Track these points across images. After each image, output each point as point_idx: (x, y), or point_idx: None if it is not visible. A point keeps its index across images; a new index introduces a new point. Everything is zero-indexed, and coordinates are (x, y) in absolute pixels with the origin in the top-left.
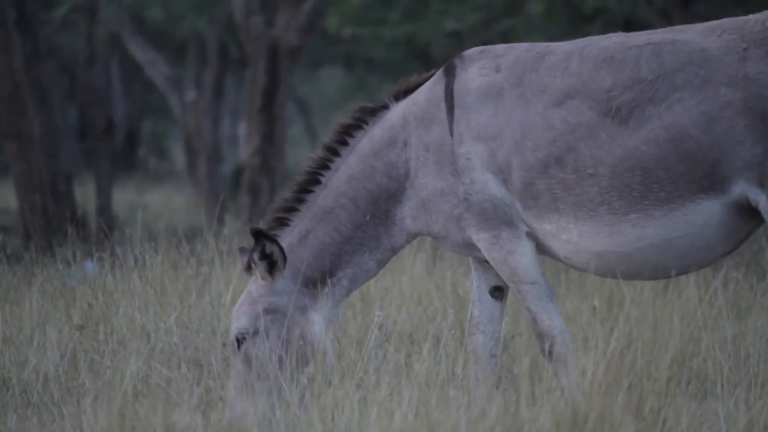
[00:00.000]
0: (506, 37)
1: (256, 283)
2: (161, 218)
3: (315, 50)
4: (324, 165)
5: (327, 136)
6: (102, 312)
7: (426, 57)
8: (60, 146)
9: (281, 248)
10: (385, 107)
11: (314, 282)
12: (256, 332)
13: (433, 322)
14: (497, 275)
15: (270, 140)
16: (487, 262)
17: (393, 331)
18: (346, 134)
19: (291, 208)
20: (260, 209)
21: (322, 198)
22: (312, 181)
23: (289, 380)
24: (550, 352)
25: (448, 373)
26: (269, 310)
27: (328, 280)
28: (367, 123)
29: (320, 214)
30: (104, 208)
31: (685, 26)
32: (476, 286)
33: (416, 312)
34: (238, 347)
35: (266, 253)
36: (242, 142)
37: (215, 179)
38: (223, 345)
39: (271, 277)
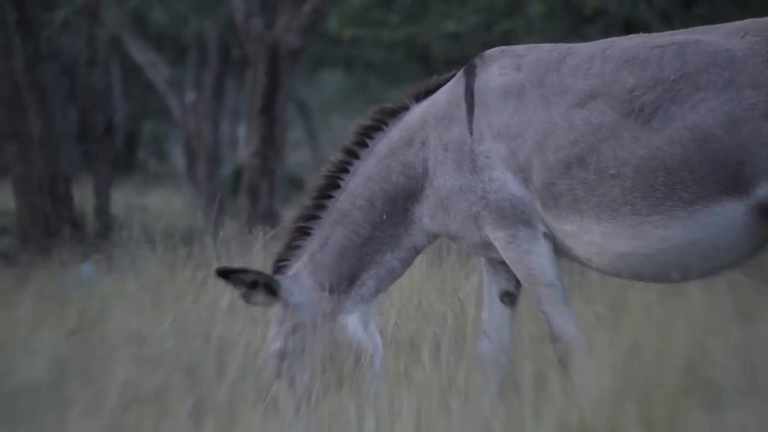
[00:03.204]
0: (506, 39)
1: (280, 307)
2: (160, 220)
3: (316, 52)
4: (343, 168)
5: (347, 138)
6: (96, 316)
7: (426, 59)
8: (60, 148)
9: (256, 271)
10: (405, 108)
11: (338, 287)
12: (290, 353)
13: (433, 327)
14: (509, 279)
15: (270, 142)
16: (500, 264)
17: (391, 337)
18: (365, 136)
19: (312, 216)
20: (259, 211)
21: (341, 202)
22: (331, 185)
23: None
24: (564, 359)
25: (449, 381)
26: (296, 328)
27: (353, 283)
28: (386, 124)
29: (339, 217)
30: (103, 210)
31: (707, 27)
32: (487, 289)
33: (416, 316)
34: (279, 373)
35: (248, 283)
36: (242, 144)
37: (215, 181)
38: (219, 352)
39: (277, 297)
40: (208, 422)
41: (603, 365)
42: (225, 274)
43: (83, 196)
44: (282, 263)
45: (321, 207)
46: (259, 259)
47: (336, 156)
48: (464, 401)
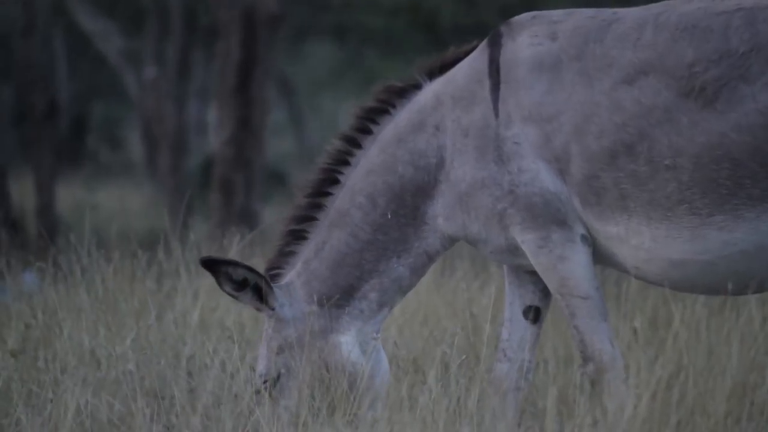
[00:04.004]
0: (529, 4)
1: (267, 319)
2: (114, 221)
3: (300, 18)
4: (343, 160)
5: (347, 123)
6: (42, 334)
7: (432, 27)
8: None
9: (249, 268)
10: (417, 86)
11: (334, 300)
12: (277, 375)
13: (441, 346)
14: (535, 292)
15: (246, 127)
16: (526, 274)
17: (394, 357)
18: (368, 120)
19: (306, 217)
20: (234, 210)
21: (339, 200)
22: (328, 180)
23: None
24: (597, 380)
25: (458, 407)
26: (284, 346)
27: (352, 296)
28: (394, 106)
29: (337, 218)
30: (46, 209)
31: None
32: (509, 303)
33: (421, 333)
34: (270, 395)
35: (237, 281)
36: (213, 130)
37: (180, 174)
38: (189, 374)
39: (268, 305)
40: None
41: (640, 389)
42: (211, 265)
43: (22, 191)
44: (274, 271)
45: (317, 206)
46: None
47: (334, 145)
48: (476, 430)
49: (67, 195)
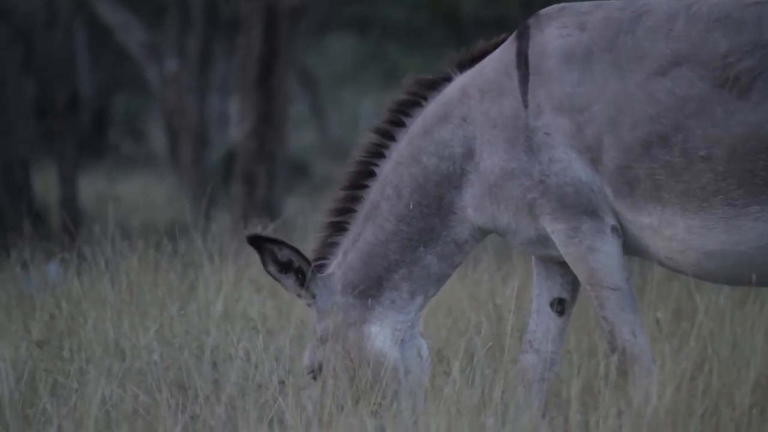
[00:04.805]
0: None
1: (310, 310)
2: (137, 213)
3: (321, 12)
4: (377, 152)
5: (381, 116)
6: (67, 325)
7: (454, 20)
8: (14, 127)
9: (295, 249)
10: (447, 79)
11: (366, 291)
12: (319, 366)
13: (465, 336)
14: (563, 285)
15: (268, 120)
16: (555, 266)
17: None
18: (401, 113)
19: (346, 209)
20: (256, 202)
21: (373, 193)
22: (364, 173)
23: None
24: (626, 372)
25: (483, 398)
26: (324, 337)
27: (382, 286)
28: (425, 98)
29: (370, 210)
30: (69, 201)
31: None
32: (536, 294)
33: (445, 324)
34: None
35: (282, 262)
36: (235, 123)
37: (202, 166)
38: (213, 365)
39: (309, 291)
40: None
41: (665, 380)
42: (257, 242)
43: (45, 184)
44: (319, 262)
45: (355, 198)
46: (257, 257)
47: (369, 138)
48: (501, 421)
49: (90, 187)
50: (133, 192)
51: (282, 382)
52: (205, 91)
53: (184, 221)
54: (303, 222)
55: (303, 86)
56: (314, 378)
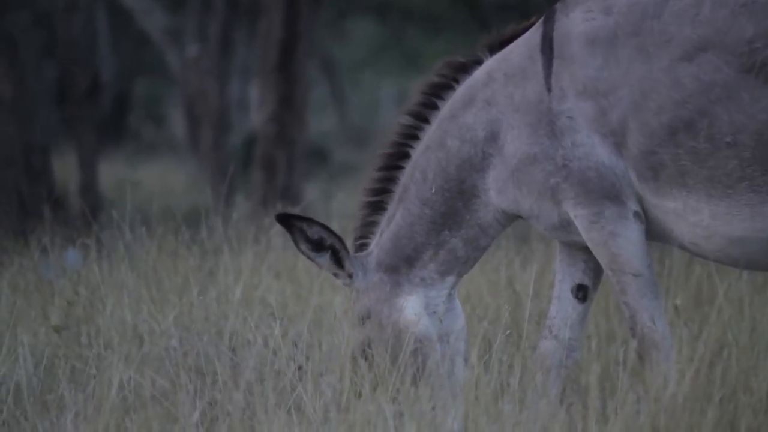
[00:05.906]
0: None
1: (349, 290)
2: (157, 198)
3: None
4: (412, 134)
5: (413, 99)
6: (85, 310)
7: (475, 5)
8: (35, 112)
9: (325, 227)
10: (478, 62)
11: (396, 269)
12: (367, 345)
13: (483, 322)
14: (585, 271)
15: (288, 105)
16: (578, 252)
17: None
18: (434, 96)
19: (383, 189)
20: (276, 188)
21: (405, 175)
22: (399, 155)
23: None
24: (646, 358)
25: (501, 384)
26: (364, 316)
27: (413, 266)
28: (457, 81)
29: (401, 193)
30: (88, 186)
31: None
32: (558, 280)
33: (464, 310)
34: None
35: (313, 240)
36: (254, 107)
37: (222, 151)
38: (232, 350)
39: (345, 271)
40: (221, 429)
41: (683, 366)
42: (286, 220)
43: (64, 169)
44: (360, 241)
45: (391, 179)
46: (278, 242)
47: (403, 120)
48: (519, 406)
49: (110, 172)
50: (152, 177)
51: (300, 368)
52: (226, 76)
53: (204, 207)
54: (324, 207)
55: (323, 71)
56: (365, 359)
